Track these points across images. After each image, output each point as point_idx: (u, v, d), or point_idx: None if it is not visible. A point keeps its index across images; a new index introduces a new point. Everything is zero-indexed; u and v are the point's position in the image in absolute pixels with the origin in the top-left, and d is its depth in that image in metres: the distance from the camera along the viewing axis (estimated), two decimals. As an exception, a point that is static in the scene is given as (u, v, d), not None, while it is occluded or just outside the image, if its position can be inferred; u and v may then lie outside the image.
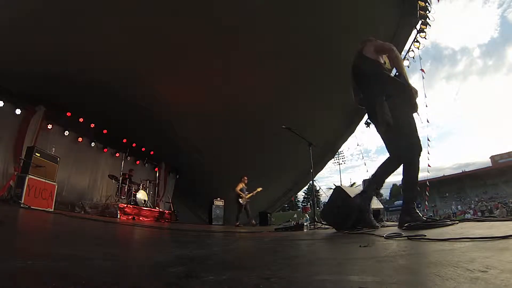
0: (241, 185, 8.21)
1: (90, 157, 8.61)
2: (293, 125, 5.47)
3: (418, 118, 2.60)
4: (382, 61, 2.70)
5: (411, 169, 2.48)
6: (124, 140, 9.31)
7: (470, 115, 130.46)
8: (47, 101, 7.00)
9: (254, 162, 9.80)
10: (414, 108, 2.54)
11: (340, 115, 9.33)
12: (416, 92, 2.53)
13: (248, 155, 9.73)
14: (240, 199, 8.05)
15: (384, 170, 2.67)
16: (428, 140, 9.80)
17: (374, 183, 2.76)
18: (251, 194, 8.31)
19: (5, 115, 6.32)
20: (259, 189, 8.51)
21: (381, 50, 2.73)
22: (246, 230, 5.06)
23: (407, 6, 6.31)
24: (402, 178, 2.51)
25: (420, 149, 2.50)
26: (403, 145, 2.49)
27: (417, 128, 2.53)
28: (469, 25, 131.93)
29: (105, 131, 8.62)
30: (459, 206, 36.27)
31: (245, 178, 8.38)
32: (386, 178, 2.71)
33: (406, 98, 2.49)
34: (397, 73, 2.75)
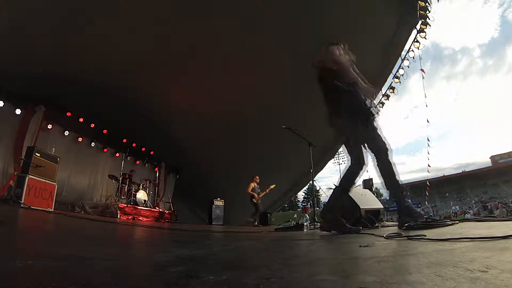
0: (252, 185, 8.06)
1: (90, 157, 8.60)
2: (293, 125, 5.47)
3: (377, 124, 2.63)
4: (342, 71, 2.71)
5: (390, 166, 2.54)
6: (124, 140, 9.30)
7: (470, 115, 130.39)
8: (47, 101, 6.99)
9: (254, 162, 9.80)
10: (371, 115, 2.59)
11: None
12: (374, 93, 2.64)
13: (248, 155, 9.73)
14: (253, 199, 7.95)
15: (352, 177, 2.72)
16: (428, 140, 9.82)
17: (345, 192, 2.77)
18: (264, 192, 8.23)
19: (5, 115, 6.32)
20: (272, 186, 8.43)
21: (337, 64, 2.76)
22: (246, 230, 5.05)
23: (407, 6, 6.31)
24: (384, 180, 2.55)
25: (388, 149, 2.58)
26: (376, 149, 2.57)
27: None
28: (469, 25, 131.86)
29: (105, 131, 8.62)
30: (457, 207, 36.26)
31: (257, 177, 8.23)
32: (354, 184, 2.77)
33: (366, 112, 2.58)
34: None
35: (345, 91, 2.57)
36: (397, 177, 2.54)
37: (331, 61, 2.72)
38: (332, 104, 2.72)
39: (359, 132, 2.57)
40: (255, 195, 8.00)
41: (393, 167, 2.53)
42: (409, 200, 2.60)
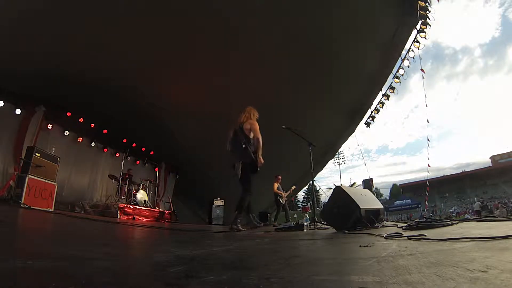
0: (277, 184, 7.96)
1: (90, 157, 8.60)
2: (293, 125, 5.47)
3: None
4: (251, 136, 4.16)
5: (243, 198, 3.97)
6: (124, 140, 9.30)
7: (470, 115, 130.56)
8: (47, 101, 6.99)
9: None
10: (256, 169, 4.08)
11: (340, 115, 9.32)
12: (260, 162, 4.08)
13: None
14: (280, 199, 7.83)
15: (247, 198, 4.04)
16: (428, 140, 9.84)
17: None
18: (288, 192, 8.12)
19: (5, 115, 6.32)
20: (293, 187, 8.42)
21: (251, 130, 4.17)
22: (246, 230, 5.06)
23: (407, 6, 6.31)
24: (238, 201, 3.97)
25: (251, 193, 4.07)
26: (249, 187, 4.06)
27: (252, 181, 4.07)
28: (470, 24, 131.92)
29: (105, 131, 8.61)
30: (455, 207, 36.23)
31: (279, 177, 8.07)
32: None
33: (253, 165, 4.04)
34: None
35: (243, 147, 4.05)
36: (243, 203, 3.94)
37: (248, 128, 4.18)
38: (239, 158, 4.10)
39: (252, 173, 4.06)
40: (282, 193, 7.87)
41: (246, 197, 3.97)
42: (239, 221, 3.96)
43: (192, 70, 6.92)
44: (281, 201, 7.85)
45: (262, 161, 4.10)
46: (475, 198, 36.24)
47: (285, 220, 7.78)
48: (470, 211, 30.48)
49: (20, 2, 4.76)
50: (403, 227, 2.66)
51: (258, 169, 4.10)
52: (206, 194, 10.23)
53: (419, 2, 6.15)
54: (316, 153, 6.02)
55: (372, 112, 9.18)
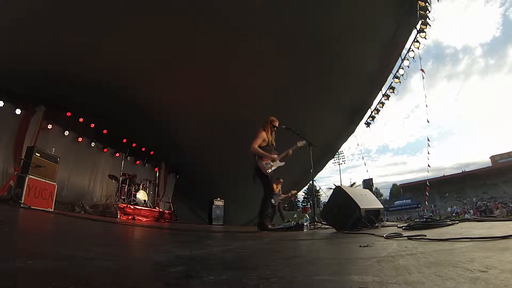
0: (274, 186, 8.06)
1: (90, 157, 8.60)
2: (293, 125, 5.47)
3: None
4: (265, 144, 4.57)
5: (265, 199, 4.33)
6: (124, 140, 9.29)
7: (470, 115, 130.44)
8: (47, 101, 6.99)
9: (254, 162, 9.79)
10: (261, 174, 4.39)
11: (340, 115, 9.32)
12: (273, 159, 4.48)
13: (248, 154, 9.74)
14: (272, 200, 7.88)
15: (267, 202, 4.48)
16: (428, 140, 9.86)
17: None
18: (286, 195, 8.19)
19: (5, 115, 6.31)
20: (293, 192, 8.47)
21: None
22: (246, 230, 5.06)
23: (407, 6, 6.31)
24: (261, 203, 4.36)
25: (272, 195, 4.80)
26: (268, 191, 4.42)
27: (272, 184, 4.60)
28: (471, 24, 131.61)
29: (105, 131, 8.61)
30: (454, 207, 36.25)
31: (281, 180, 8.14)
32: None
33: (257, 171, 4.40)
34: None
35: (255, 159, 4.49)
36: (265, 206, 4.33)
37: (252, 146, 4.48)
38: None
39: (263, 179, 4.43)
40: (280, 194, 7.95)
41: (266, 201, 4.35)
42: (265, 221, 4.30)
43: (192, 70, 6.92)
44: (273, 201, 7.85)
45: (274, 157, 4.48)
46: (474, 199, 36.25)
47: (282, 220, 7.81)
48: (470, 210, 30.47)
49: (20, 2, 4.76)
50: (403, 227, 2.66)
51: (269, 171, 4.40)
52: (206, 194, 10.23)
53: (419, 2, 6.15)
54: (316, 153, 6.02)
55: (372, 112, 9.18)
